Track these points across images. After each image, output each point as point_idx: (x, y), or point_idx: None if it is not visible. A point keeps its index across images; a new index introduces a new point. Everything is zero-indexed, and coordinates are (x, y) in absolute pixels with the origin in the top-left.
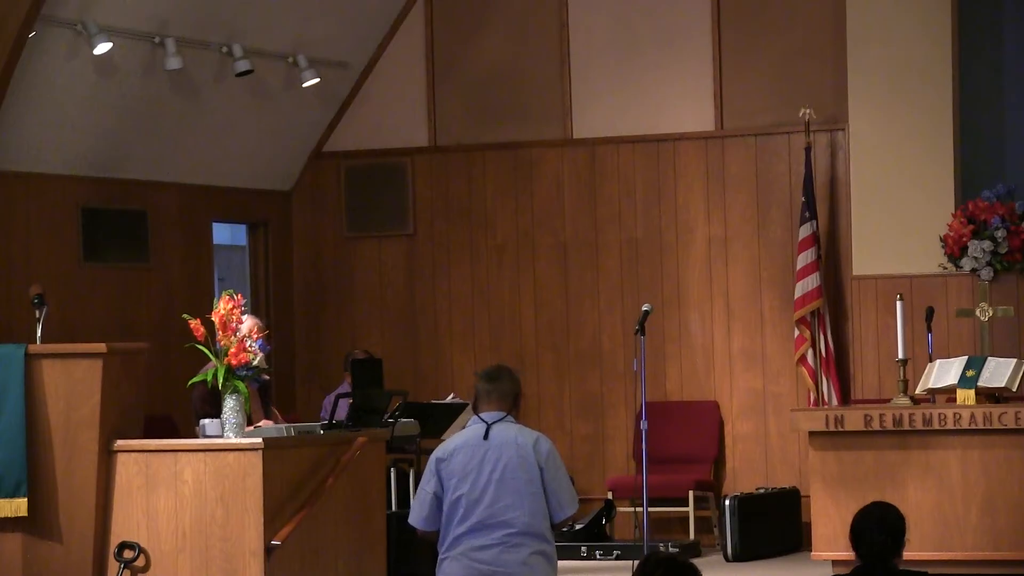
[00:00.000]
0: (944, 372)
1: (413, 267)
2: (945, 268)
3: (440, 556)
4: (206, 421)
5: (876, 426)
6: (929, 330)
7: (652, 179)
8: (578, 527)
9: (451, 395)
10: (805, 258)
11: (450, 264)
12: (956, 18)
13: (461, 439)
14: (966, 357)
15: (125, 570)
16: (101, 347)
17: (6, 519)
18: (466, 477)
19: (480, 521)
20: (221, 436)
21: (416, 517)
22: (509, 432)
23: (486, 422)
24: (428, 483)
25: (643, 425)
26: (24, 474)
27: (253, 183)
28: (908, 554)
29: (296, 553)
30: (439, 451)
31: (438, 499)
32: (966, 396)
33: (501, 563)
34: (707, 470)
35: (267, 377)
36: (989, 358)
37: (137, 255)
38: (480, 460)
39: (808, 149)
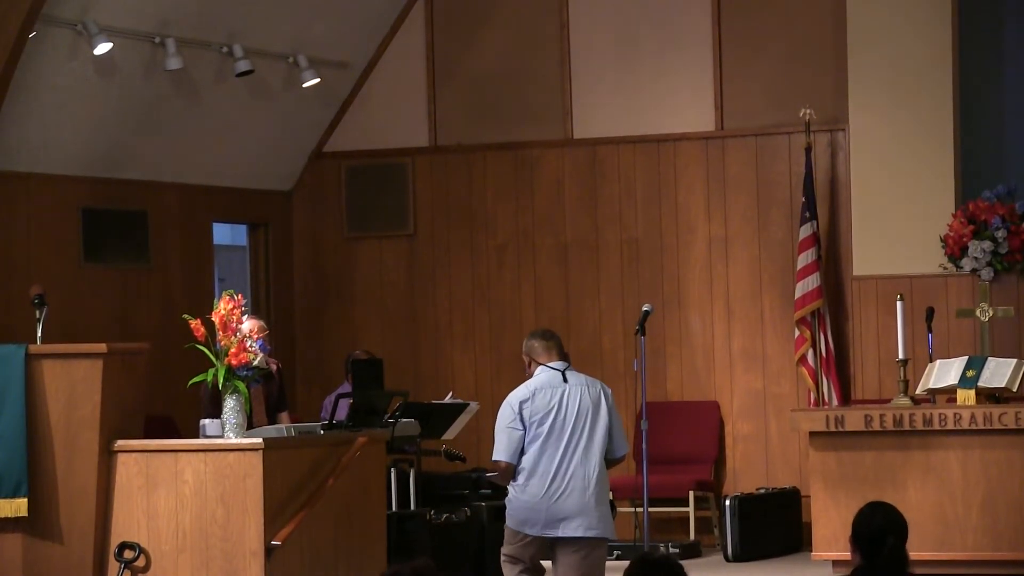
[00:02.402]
0: (944, 372)
1: (413, 267)
2: (945, 268)
3: (516, 482)
4: (206, 421)
5: (876, 426)
6: (929, 330)
7: (652, 179)
8: None
9: (449, 394)
10: (805, 258)
11: (450, 264)
12: (956, 18)
13: (539, 381)
14: (966, 357)
15: (125, 570)
16: (101, 347)
17: (6, 519)
18: (548, 414)
19: (559, 453)
20: (221, 436)
21: (505, 452)
22: (581, 377)
23: (558, 369)
24: (514, 423)
25: (643, 425)
26: (24, 474)
27: (253, 183)
28: (908, 555)
29: (296, 553)
30: (520, 393)
31: (521, 436)
32: (966, 396)
33: (572, 490)
34: (707, 470)
35: (274, 372)
36: (989, 358)
37: (137, 255)
38: (560, 399)
39: (808, 149)
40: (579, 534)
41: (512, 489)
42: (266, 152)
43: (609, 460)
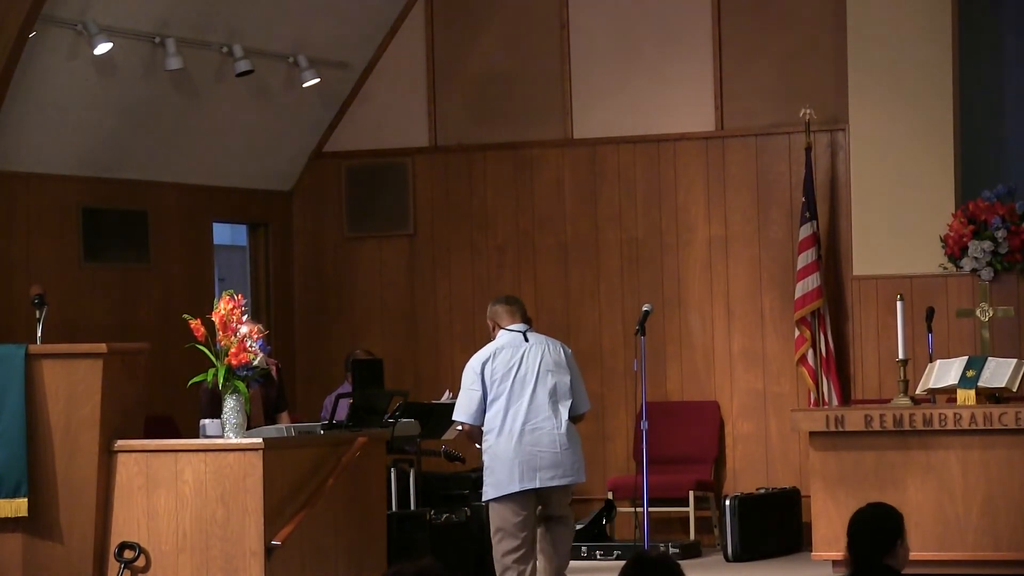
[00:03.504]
0: (944, 372)
1: (413, 267)
2: (945, 268)
3: (486, 442)
4: (206, 421)
5: (876, 426)
6: (929, 330)
7: (652, 179)
8: (578, 527)
9: (446, 393)
10: (805, 258)
11: (450, 264)
12: (956, 18)
13: (501, 343)
14: (966, 357)
15: (125, 570)
16: (101, 347)
17: (6, 519)
18: (509, 372)
19: (525, 408)
20: (221, 436)
21: (464, 413)
22: (541, 337)
23: (519, 331)
24: (474, 384)
25: (643, 425)
26: (24, 474)
27: (253, 183)
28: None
29: (296, 553)
30: (481, 354)
31: (484, 397)
32: (966, 396)
33: (540, 443)
34: (707, 470)
35: (274, 374)
36: (989, 358)
37: (137, 255)
38: (520, 357)
39: (808, 149)
40: (555, 483)
41: (485, 452)
42: (266, 152)
43: (572, 416)
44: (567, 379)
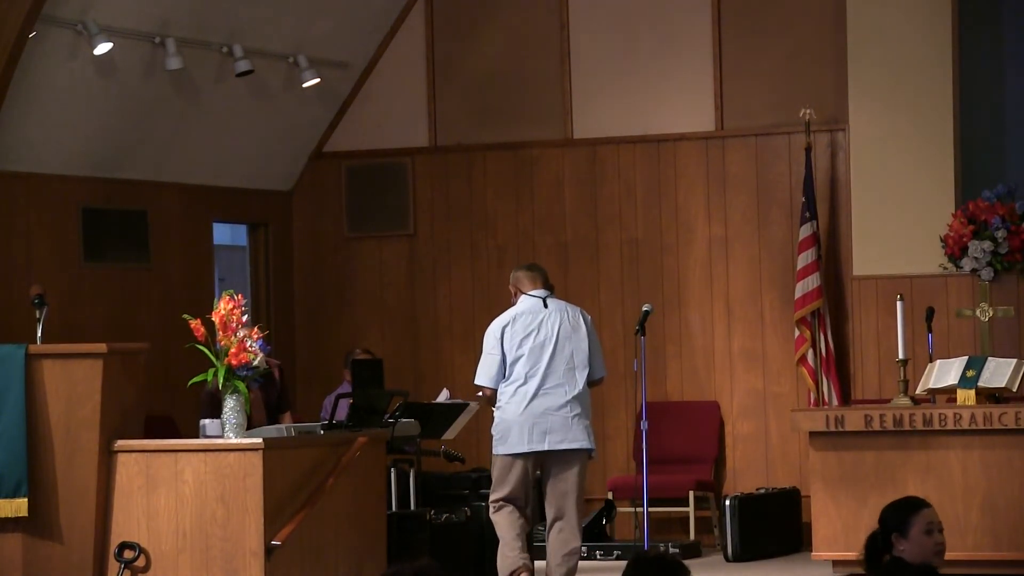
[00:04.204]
0: (944, 372)
1: (413, 267)
2: (945, 268)
3: (499, 404)
4: (206, 421)
5: (876, 426)
6: (929, 330)
7: (652, 179)
8: None
9: (443, 393)
10: (805, 258)
11: (450, 264)
12: (956, 18)
13: (521, 307)
14: (966, 357)
15: (125, 570)
16: (101, 347)
17: (6, 519)
18: (528, 337)
19: (540, 373)
20: (221, 436)
21: (485, 377)
22: (561, 304)
23: (540, 296)
24: (493, 349)
25: (643, 425)
26: (24, 474)
27: (253, 183)
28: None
29: (296, 553)
30: (502, 319)
31: (503, 361)
32: (966, 396)
33: (551, 407)
34: (707, 470)
35: (275, 374)
36: (989, 358)
37: (137, 255)
38: (539, 322)
39: (808, 149)
40: (563, 447)
41: (496, 412)
42: (266, 152)
43: (589, 382)
44: (585, 345)
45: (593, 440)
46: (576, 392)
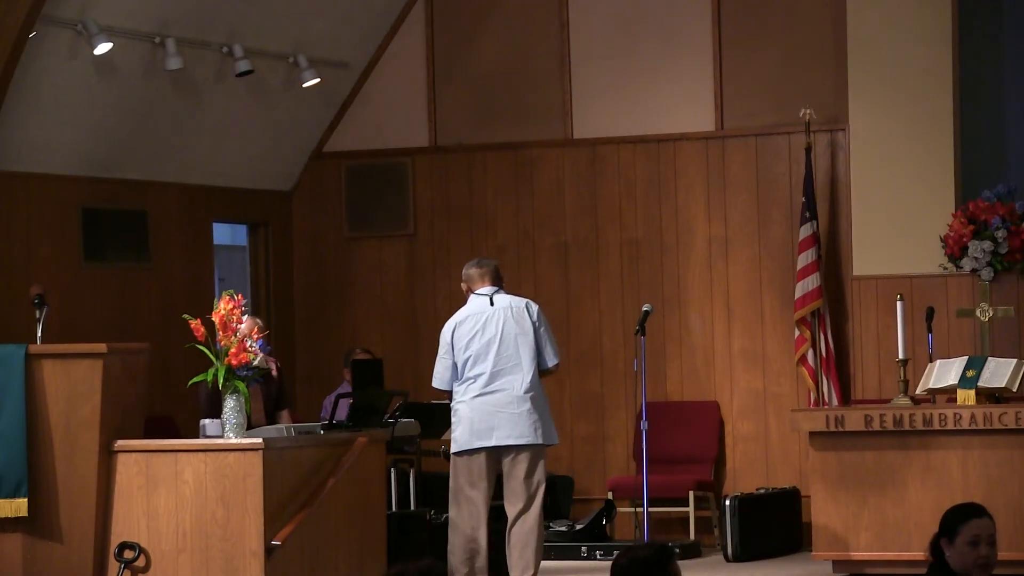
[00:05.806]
0: (944, 372)
1: (413, 267)
2: (945, 268)
3: (454, 404)
4: (206, 421)
5: (876, 426)
6: (929, 330)
7: (652, 179)
8: (578, 527)
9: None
10: (805, 258)
11: (450, 264)
12: (956, 18)
13: (469, 309)
14: (966, 357)
15: (125, 570)
16: (101, 347)
17: (6, 519)
18: (474, 337)
19: (488, 371)
20: (221, 436)
21: (439, 380)
22: (506, 299)
23: (486, 294)
24: (445, 352)
25: (643, 425)
26: (24, 474)
27: (253, 183)
28: (908, 555)
29: (296, 553)
30: (451, 321)
31: (455, 363)
32: (966, 396)
33: (498, 404)
34: (707, 470)
35: (274, 374)
36: (989, 358)
37: (137, 255)
38: (484, 322)
39: (808, 149)
40: (511, 442)
41: (452, 414)
42: (266, 152)
43: (541, 371)
44: (531, 339)
45: (546, 433)
46: (525, 387)
